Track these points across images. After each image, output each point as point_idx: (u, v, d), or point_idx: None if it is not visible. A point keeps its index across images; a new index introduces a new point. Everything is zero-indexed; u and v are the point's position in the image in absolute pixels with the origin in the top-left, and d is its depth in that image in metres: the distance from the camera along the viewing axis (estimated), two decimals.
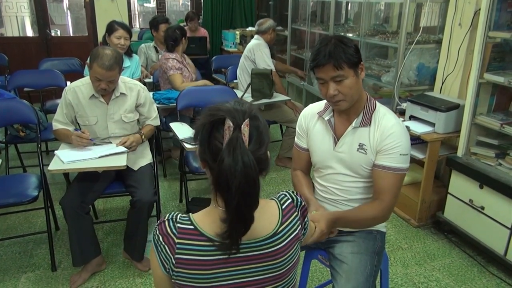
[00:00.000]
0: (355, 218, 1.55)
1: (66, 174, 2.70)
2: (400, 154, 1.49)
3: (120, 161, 2.19)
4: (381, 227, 1.68)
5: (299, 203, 1.07)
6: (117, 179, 2.44)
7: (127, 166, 2.21)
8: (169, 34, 3.57)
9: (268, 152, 1.01)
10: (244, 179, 0.86)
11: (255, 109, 0.99)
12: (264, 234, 0.99)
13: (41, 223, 2.89)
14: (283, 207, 1.05)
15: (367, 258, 1.54)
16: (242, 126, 0.91)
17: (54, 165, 2.14)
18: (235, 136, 0.89)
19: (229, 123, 0.91)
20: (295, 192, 1.10)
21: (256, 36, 3.88)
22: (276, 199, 1.07)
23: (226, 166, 0.86)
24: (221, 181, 0.88)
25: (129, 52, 3.43)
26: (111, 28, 3.26)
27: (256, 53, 3.71)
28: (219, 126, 0.93)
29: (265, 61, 3.69)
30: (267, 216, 1.01)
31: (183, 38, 3.61)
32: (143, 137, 2.45)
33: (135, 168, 2.41)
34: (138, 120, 2.51)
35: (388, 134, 1.49)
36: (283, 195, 1.08)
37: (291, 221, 1.03)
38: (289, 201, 1.06)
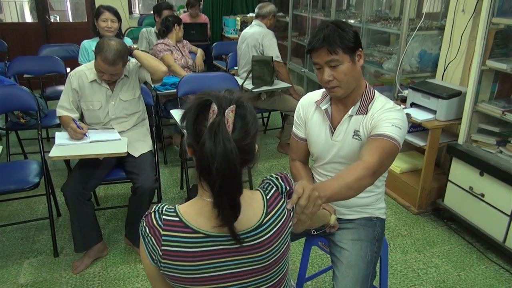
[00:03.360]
0: (338, 180, 1.28)
1: (67, 161, 2.71)
2: (392, 125, 1.39)
3: (121, 148, 2.20)
4: (381, 214, 1.68)
5: (283, 189, 1.05)
6: (118, 166, 2.44)
7: (128, 153, 2.22)
8: (162, 21, 3.76)
9: (257, 145, 0.99)
10: (225, 163, 0.85)
11: (245, 99, 0.97)
12: (248, 226, 0.98)
13: (43, 209, 2.91)
14: (268, 197, 1.03)
15: (367, 245, 1.55)
16: (226, 111, 0.90)
17: (54, 152, 2.14)
18: (218, 120, 0.89)
19: (214, 107, 0.90)
20: (279, 177, 1.07)
21: (256, 22, 3.75)
22: (260, 190, 1.05)
23: (207, 149, 0.86)
24: (203, 164, 0.87)
25: (118, 36, 3.35)
26: (97, 12, 3.25)
27: (265, 42, 3.60)
28: (205, 110, 0.92)
29: (275, 52, 3.58)
30: (251, 208, 1.00)
31: (176, 24, 3.73)
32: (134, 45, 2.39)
33: (136, 155, 2.41)
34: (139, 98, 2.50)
35: (383, 111, 1.47)
36: (267, 184, 1.06)
37: (277, 210, 1.02)
38: (273, 189, 1.04)
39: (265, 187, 1.05)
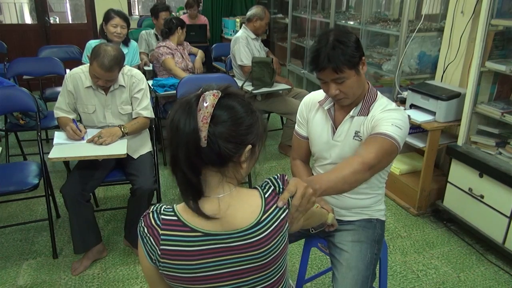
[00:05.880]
0: (333, 174, 1.29)
1: (66, 162, 2.71)
2: (392, 124, 1.38)
3: (120, 150, 2.19)
4: (380, 215, 1.68)
5: (281, 189, 1.05)
6: (117, 167, 2.44)
7: (127, 154, 2.22)
8: (166, 22, 3.74)
9: (251, 145, 0.95)
10: (183, 137, 0.89)
11: (238, 92, 0.98)
12: (246, 224, 0.98)
13: (42, 210, 2.91)
14: (266, 195, 1.03)
15: (367, 246, 1.55)
16: (206, 93, 0.91)
17: (54, 153, 2.14)
18: (191, 97, 0.92)
19: (201, 90, 0.94)
20: (276, 176, 1.07)
21: (243, 26, 3.80)
22: (259, 188, 1.05)
23: (169, 119, 0.92)
24: (167, 134, 0.93)
25: (126, 41, 3.37)
26: (107, 16, 3.23)
27: (234, 46, 3.67)
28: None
29: (240, 58, 3.63)
30: (249, 205, 1.00)
31: (179, 27, 3.71)
32: (123, 129, 2.32)
33: (135, 157, 2.41)
34: None
35: (383, 111, 1.46)
36: (266, 183, 1.06)
37: (274, 209, 1.02)
38: (271, 189, 1.04)
39: (263, 185, 1.05)
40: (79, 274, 2.30)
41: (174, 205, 1.01)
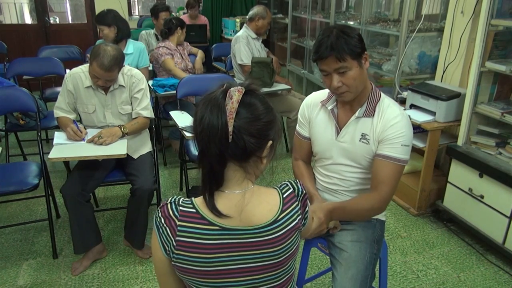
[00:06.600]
0: (351, 208, 1.54)
1: (66, 162, 2.71)
2: (402, 145, 1.47)
3: (120, 150, 2.20)
4: (380, 215, 1.68)
5: (300, 193, 1.07)
6: (117, 167, 2.44)
7: (127, 154, 2.22)
8: (166, 22, 3.73)
9: (272, 141, 0.99)
10: (211, 130, 0.92)
11: (258, 89, 1.00)
12: (264, 221, 0.99)
13: (42, 211, 2.91)
14: (284, 196, 1.05)
15: (366, 246, 1.55)
16: (232, 88, 0.94)
17: (54, 154, 2.14)
18: (218, 92, 0.95)
19: (226, 87, 0.96)
20: (297, 181, 1.10)
21: (244, 25, 3.79)
22: (277, 188, 1.07)
23: (198, 114, 0.94)
24: (195, 129, 0.95)
25: (120, 39, 3.23)
26: None
27: (235, 45, 3.67)
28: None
29: (240, 57, 3.63)
30: (267, 203, 1.02)
31: (179, 28, 3.70)
32: (123, 129, 2.32)
33: (135, 157, 2.41)
34: None
35: (391, 124, 1.48)
36: (285, 185, 1.08)
37: (291, 210, 1.03)
38: (290, 190, 1.06)
39: (282, 187, 1.08)
40: (79, 274, 2.30)
41: (193, 198, 1.02)
